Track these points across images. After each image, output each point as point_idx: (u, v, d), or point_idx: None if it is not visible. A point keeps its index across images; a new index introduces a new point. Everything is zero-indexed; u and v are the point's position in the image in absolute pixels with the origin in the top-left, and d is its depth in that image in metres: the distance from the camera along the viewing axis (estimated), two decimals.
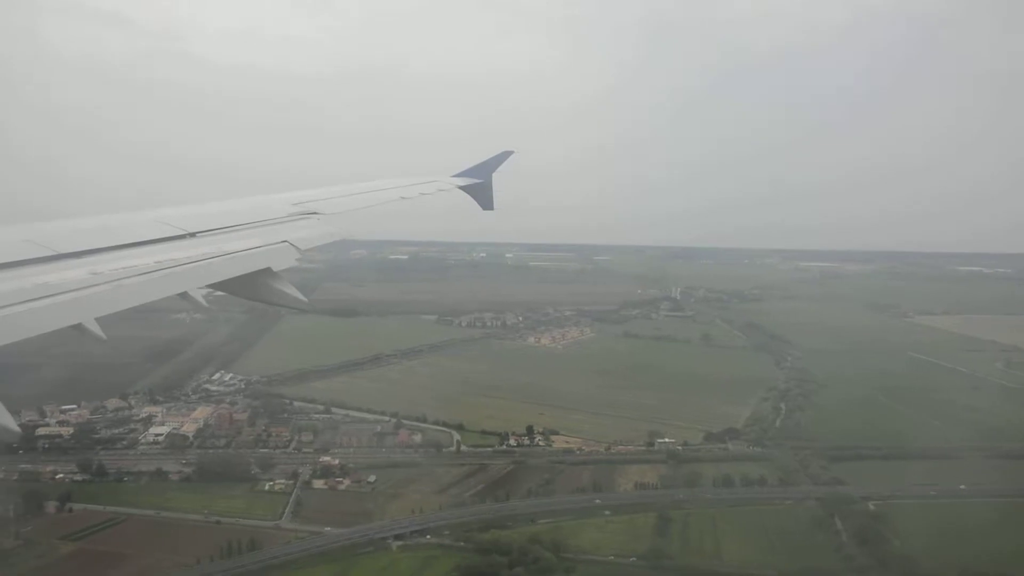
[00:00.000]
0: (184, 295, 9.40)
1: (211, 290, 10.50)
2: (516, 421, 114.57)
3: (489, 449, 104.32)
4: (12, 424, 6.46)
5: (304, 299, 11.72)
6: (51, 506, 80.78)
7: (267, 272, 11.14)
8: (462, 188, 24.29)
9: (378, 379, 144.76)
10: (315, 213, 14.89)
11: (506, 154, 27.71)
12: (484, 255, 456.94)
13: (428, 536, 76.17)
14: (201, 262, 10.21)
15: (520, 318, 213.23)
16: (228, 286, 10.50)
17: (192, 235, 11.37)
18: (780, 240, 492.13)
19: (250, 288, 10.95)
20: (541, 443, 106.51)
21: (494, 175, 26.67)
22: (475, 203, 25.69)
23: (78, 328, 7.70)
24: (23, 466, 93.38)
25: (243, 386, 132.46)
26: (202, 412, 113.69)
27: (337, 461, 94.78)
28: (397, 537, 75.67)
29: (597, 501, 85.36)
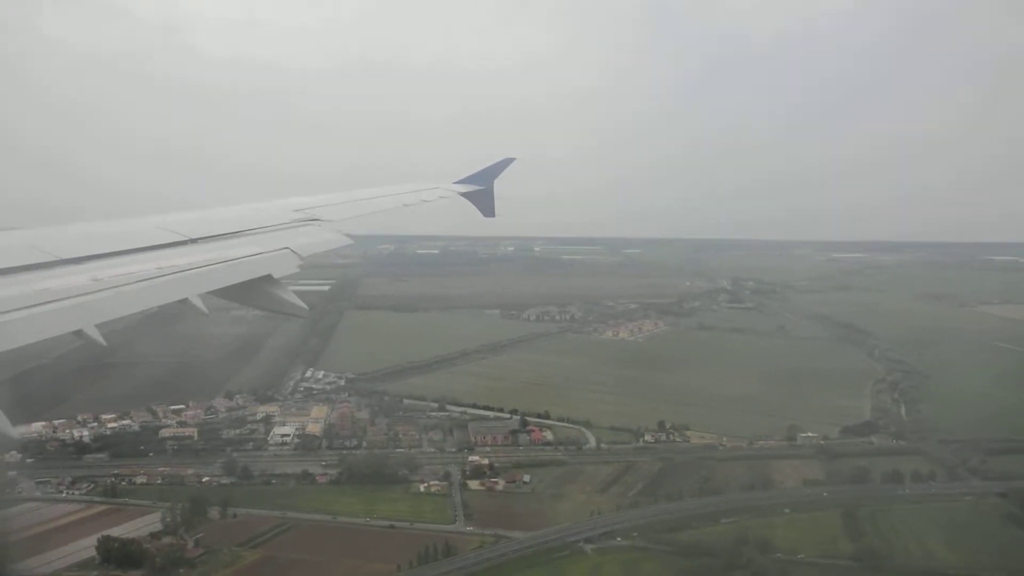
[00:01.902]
0: (184, 302, 9.22)
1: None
2: (635, 416, 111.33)
3: (627, 446, 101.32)
4: (10, 431, 6.29)
5: (304, 307, 11.55)
6: (214, 511, 77.67)
7: (268, 279, 10.95)
8: (463, 195, 24.22)
9: (475, 375, 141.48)
10: (316, 220, 14.75)
11: (507, 161, 27.45)
12: (512, 249, 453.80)
13: (618, 539, 73.13)
14: (202, 268, 10.16)
15: (583, 312, 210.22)
16: (229, 293, 10.34)
17: (193, 241, 11.28)
18: (805, 231, 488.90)
19: (251, 295, 10.77)
20: (677, 439, 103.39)
21: (496, 181, 26.53)
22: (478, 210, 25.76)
23: (79, 334, 7.56)
24: (161, 469, 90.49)
25: (343, 384, 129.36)
26: (320, 411, 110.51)
27: (487, 461, 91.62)
28: (587, 540, 72.64)
29: (772, 499, 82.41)
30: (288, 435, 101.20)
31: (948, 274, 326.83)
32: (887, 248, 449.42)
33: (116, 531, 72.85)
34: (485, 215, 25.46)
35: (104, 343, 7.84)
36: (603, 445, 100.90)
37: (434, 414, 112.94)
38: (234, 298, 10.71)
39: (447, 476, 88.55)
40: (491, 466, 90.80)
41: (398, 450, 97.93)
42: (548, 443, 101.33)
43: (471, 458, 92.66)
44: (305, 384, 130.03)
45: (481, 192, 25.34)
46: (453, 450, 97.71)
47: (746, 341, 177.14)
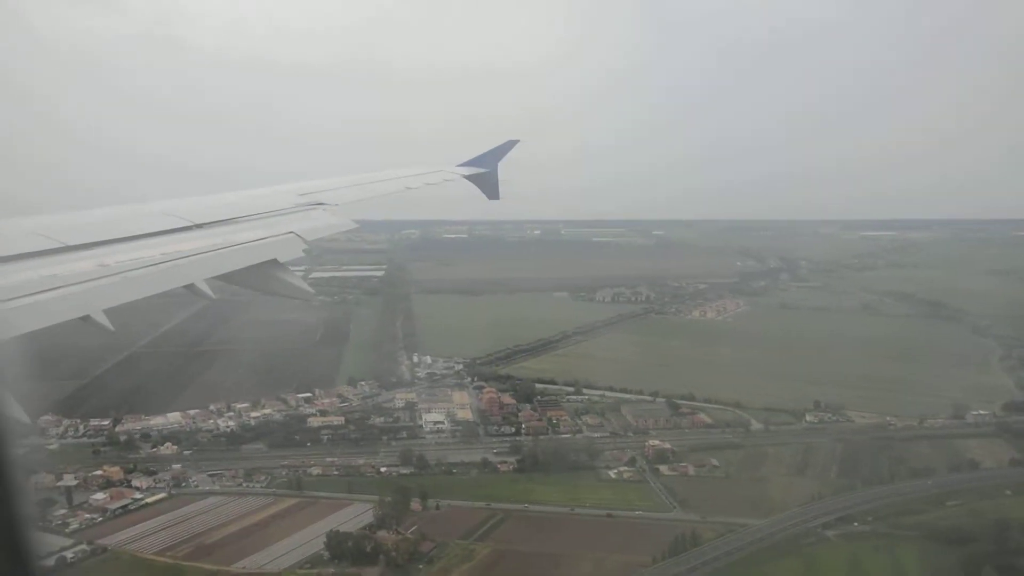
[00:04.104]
0: (191, 287, 9.21)
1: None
2: (778, 396, 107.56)
3: (792, 427, 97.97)
4: (23, 416, 6.16)
5: (310, 290, 12.02)
6: (416, 503, 73.67)
7: (273, 263, 10.96)
8: (467, 178, 24.01)
9: (585, 357, 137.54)
10: (321, 204, 14.74)
11: (511, 143, 26.97)
12: (539, 232, 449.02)
13: (855, 524, 69.65)
14: (207, 253, 10.19)
15: (655, 293, 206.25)
16: (235, 277, 10.32)
17: (198, 227, 11.25)
18: (821, 211, 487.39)
19: (257, 279, 10.70)
20: (839, 419, 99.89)
21: (500, 164, 26.15)
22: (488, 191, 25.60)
23: (86, 320, 7.56)
24: (330, 459, 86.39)
25: (460, 368, 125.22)
26: (461, 397, 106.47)
27: (668, 445, 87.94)
28: (823, 526, 69.17)
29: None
30: (441, 422, 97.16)
31: (993, 251, 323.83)
32: (915, 226, 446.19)
33: (322, 525, 69.01)
34: (489, 198, 25.12)
35: (112, 328, 7.58)
36: (770, 427, 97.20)
37: (573, 398, 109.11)
38: (240, 283, 10.57)
39: (633, 461, 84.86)
40: (672, 451, 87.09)
41: (563, 435, 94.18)
42: (710, 425, 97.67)
43: (651, 442, 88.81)
44: (421, 370, 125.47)
45: (485, 175, 24.92)
46: (625, 435, 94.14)
47: (838, 320, 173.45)
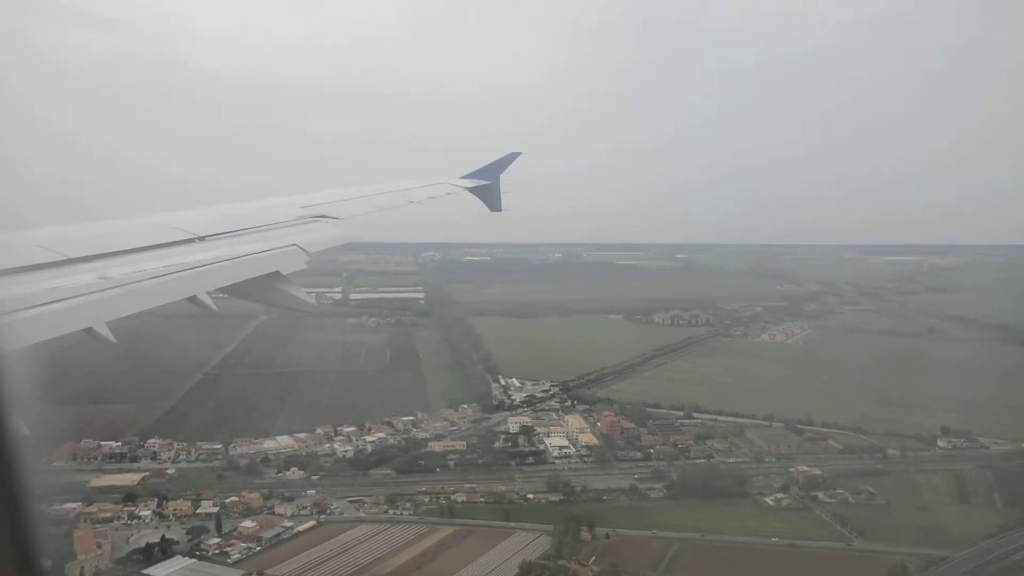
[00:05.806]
0: (193, 299, 9.18)
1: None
2: (895, 421, 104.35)
3: (928, 452, 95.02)
4: (25, 429, 5.77)
5: (313, 302, 11.93)
6: (584, 531, 70.04)
7: (276, 275, 10.91)
8: (469, 190, 23.79)
9: (673, 380, 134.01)
10: (323, 216, 14.65)
11: (513, 155, 26.81)
12: (560, 255, 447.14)
13: None
14: (210, 266, 10.09)
15: (712, 316, 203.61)
16: (237, 289, 10.34)
17: (201, 239, 11.20)
18: (832, 236, 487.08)
19: (259, 291, 10.73)
20: (972, 446, 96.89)
21: (502, 176, 26.06)
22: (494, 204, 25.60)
23: (88, 332, 7.52)
24: (469, 486, 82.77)
25: (555, 391, 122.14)
26: (577, 421, 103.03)
27: (819, 471, 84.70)
28: None
29: None
30: (566, 447, 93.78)
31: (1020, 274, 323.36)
32: (934, 251, 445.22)
33: (495, 555, 65.44)
34: (492, 209, 24.86)
35: (114, 340, 7.49)
36: (906, 452, 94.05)
37: (685, 422, 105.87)
38: (243, 295, 10.49)
39: (787, 488, 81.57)
40: (822, 477, 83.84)
41: (696, 461, 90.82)
42: (842, 451, 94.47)
43: (798, 468, 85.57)
44: (514, 393, 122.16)
45: (487, 187, 24.72)
46: (763, 460, 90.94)
47: (912, 343, 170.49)
